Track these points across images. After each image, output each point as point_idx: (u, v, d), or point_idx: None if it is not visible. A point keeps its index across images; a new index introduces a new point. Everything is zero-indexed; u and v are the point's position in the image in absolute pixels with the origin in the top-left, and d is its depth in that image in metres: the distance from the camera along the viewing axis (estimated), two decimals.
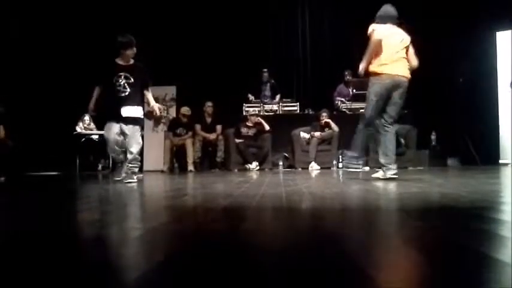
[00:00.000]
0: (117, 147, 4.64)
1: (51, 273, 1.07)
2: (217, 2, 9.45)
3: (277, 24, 10.15)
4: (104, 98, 4.74)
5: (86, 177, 6.53)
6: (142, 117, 4.77)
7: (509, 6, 7.22)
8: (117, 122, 4.57)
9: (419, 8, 8.30)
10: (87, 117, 8.43)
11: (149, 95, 4.85)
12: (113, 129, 4.58)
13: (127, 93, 4.59)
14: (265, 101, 8.94)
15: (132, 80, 4.62)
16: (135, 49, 4.64)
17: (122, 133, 4.60)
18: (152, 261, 1.21)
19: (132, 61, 4.70)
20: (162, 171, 7.98)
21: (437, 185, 3.44)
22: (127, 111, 4.56)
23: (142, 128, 5.00)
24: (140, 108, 4.71)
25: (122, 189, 3.83)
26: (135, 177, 4.62)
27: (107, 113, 4.75)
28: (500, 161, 7.99)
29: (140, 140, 4.72)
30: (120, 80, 4.59)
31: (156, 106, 4.87)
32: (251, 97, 8.96)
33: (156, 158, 8.66)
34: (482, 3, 8.18)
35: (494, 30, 8.43)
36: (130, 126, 4.58)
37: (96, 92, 4.75)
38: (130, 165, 4.61)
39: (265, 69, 9.12)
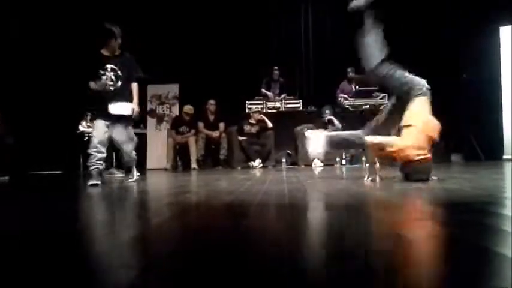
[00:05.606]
0: (102, 148, 4.06)
1: (54, 270, 1.08)
2: None
3: (279, 21, 10.14)
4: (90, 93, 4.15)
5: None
6: (131, 114, 4.19)
7: None
8: (105, 120, 4.07)
9: (422, 4, 8.27)
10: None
11: (135, 90, 4.25)
12: (101, 128, 4.07)
13: (115, 88, 4.11)
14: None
15: (120, 72, 4.14)
16: (119, 40, 4.16)
17: (110, 132, 4.13)
18: (154, 257, 1.21)
19: (118, 51, 4.20)
20: (165, 169, 8.00)
21: (441, 180, 3.43)
22: (115, 108, 4.05)
23: (132, 124, 4.52)
24: (130, 104, 4.18)
25: (124, 188, 3.84)
26: (135, 174, 4.41)
27: (95, 110, 4.28)
28: (504, 157, 7.95)
29: (133, 136, 4.33)
30: (107, 73, 4.10)
31: (136, 106, 4.24)
32: (269, 93, 8.90)
33: (159, 156, 8.69)
34: None
35: (498, 25, 8.38)
36: (119, 125, 4.14)
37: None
38: (127, 164, 4.40)
39: (276, 67, 9.08)
